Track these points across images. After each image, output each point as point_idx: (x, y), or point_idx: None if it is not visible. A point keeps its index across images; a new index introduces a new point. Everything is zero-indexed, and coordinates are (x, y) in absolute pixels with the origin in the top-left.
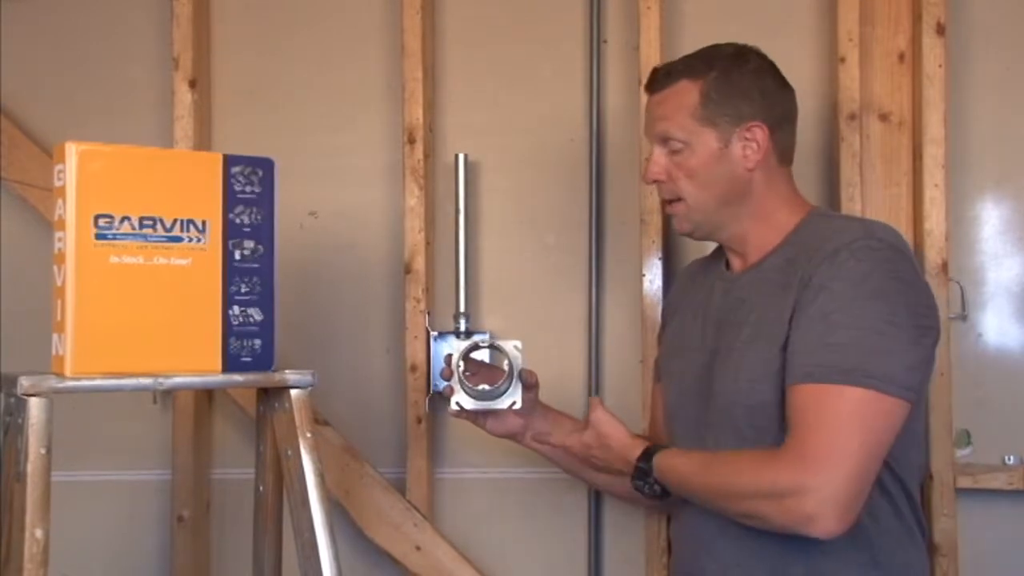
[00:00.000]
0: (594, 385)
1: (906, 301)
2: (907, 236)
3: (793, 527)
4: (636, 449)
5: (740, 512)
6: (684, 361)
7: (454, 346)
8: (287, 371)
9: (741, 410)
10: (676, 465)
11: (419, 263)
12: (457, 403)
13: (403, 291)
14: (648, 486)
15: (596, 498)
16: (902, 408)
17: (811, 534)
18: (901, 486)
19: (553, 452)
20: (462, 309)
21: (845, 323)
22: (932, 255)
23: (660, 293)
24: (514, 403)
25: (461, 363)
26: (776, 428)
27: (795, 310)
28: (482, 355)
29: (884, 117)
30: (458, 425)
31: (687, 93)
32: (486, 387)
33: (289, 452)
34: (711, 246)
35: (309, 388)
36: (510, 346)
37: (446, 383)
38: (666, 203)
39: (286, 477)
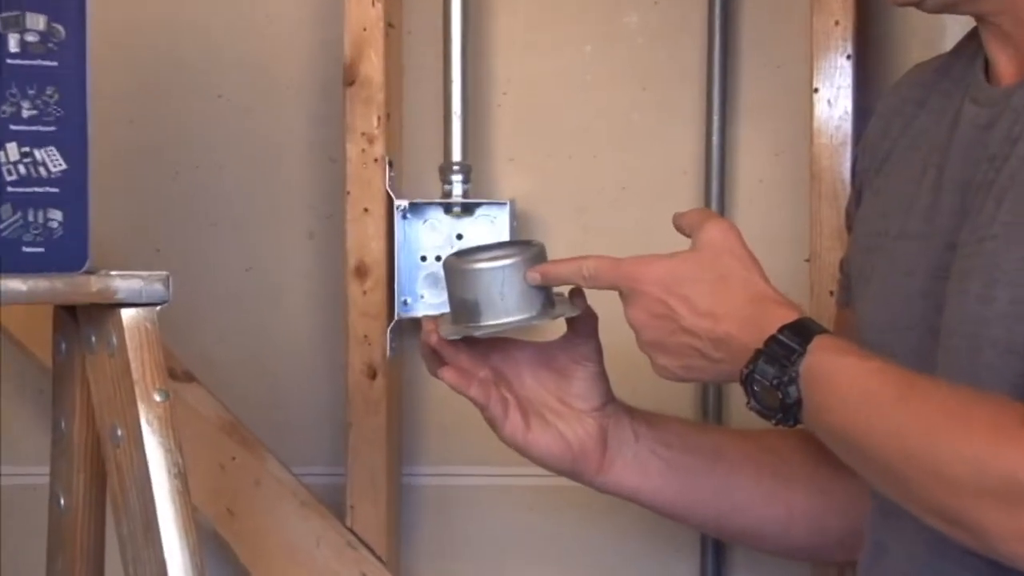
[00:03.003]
0: None
1: None
2: None
3: None
4: (781, 309)
5: (935, 507)
6: (896, 259)
7: (440, 230)
8: (114, 273)
9: (994, 354)
10: (853, 369)
11: (371, 66)
12: (460, 331)
13: (340, 120)
14: (780, 382)
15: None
16: None
17: None
18: None
19: (656, 492)
20: (456, 158)
21: None
22: None
23: (849, 127)
24: (566, 313)
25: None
26: None
27: None
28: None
29: None
30: (444, 385)
31: None
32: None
33: (119, 432)
34: (952, 31)
35: (158, 307)
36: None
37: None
38: None
39: (112, 481)
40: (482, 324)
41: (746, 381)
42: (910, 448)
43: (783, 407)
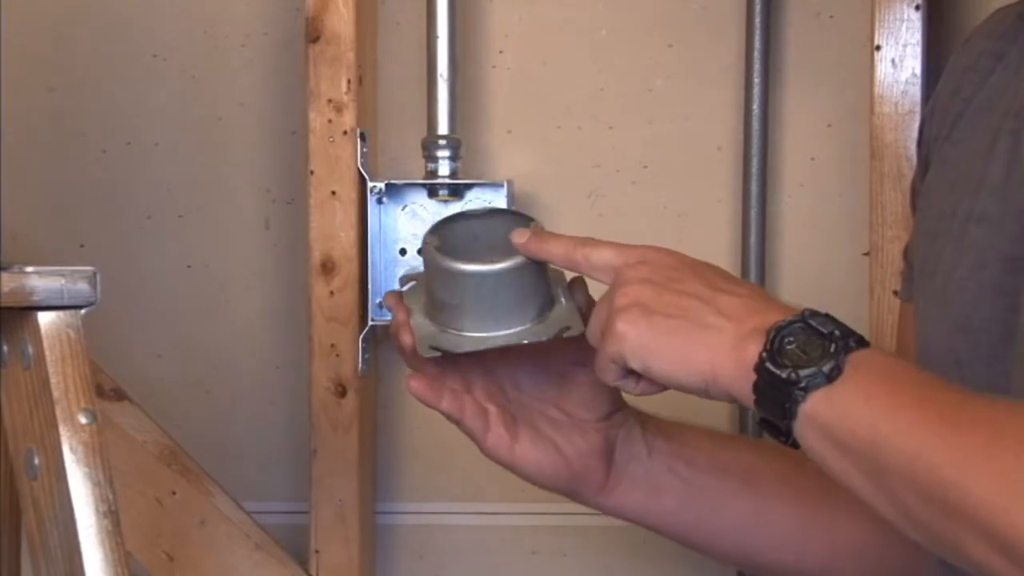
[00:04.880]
0: None
1: None
2: None
3: None
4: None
5: (955, 545)
6: (965, 247)
7: (423, 218)
8: (30, 269)
9: None
10: (899, 377)
11: (339, 18)
12: (433, 347)
13: (303, 85)
14: (832, 338)
15: None
16: None
17: None
18: None
19: (669, 516)
20: (443, 130)
21: None
22: None
23: (917, 92)
24: (567, 328)
25: (435, 237)
26: None
27: None
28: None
29: None
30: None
31: None
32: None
33: (36, 460)
34: None
35: (84, 311)
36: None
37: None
38: None
39: (28, 520)
40: (464, 334)
41: (783, 328)
42: (929, 470)
43: (822, 364)
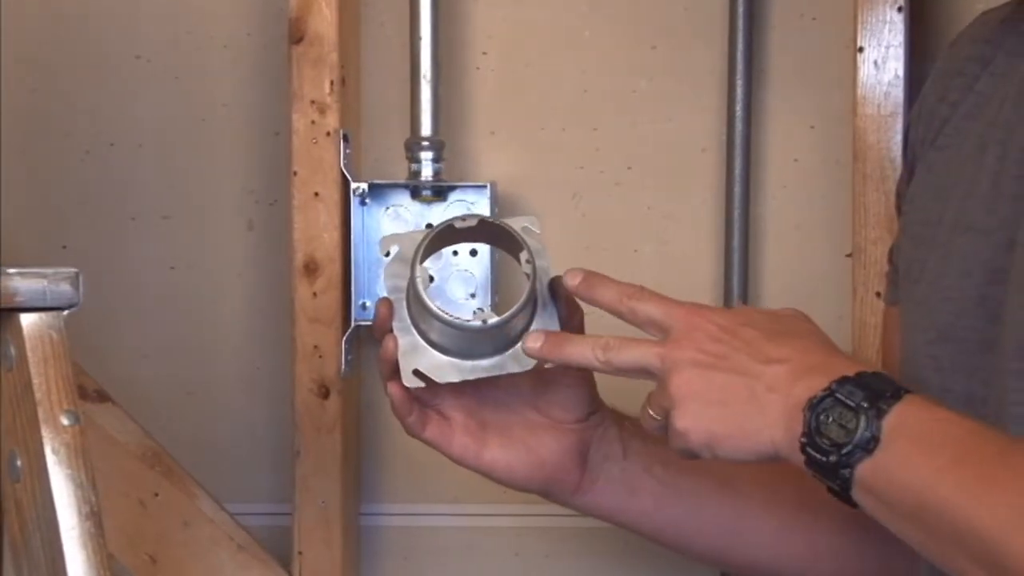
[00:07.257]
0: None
1: None
2: None
3: None
4: (866, 367)
5: None
6: (951, 256)
7: (406, 219)
8: (12, 270)
9: None
10: (949, 424)
11: (322, 19)
12: (416, 371)
13: (286, 86)
14: (864, 409)
15: None
16: None
17: None
18: None
19: (644, 516)
20: (426, 132)
21: None
22: None
23: (900, 94)
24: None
25: (424, 270)
26: None
27: None
28: (461, 258)
29: None
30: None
31: None
32: (480, 319)
33: (18, 462)
34: None
35: (66, 312)
36: (519, 225)
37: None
38: None
39: (10, 522)
40: (449, 359)
41: (816, 405)
42: (979, 520)
43: (858, 438)
